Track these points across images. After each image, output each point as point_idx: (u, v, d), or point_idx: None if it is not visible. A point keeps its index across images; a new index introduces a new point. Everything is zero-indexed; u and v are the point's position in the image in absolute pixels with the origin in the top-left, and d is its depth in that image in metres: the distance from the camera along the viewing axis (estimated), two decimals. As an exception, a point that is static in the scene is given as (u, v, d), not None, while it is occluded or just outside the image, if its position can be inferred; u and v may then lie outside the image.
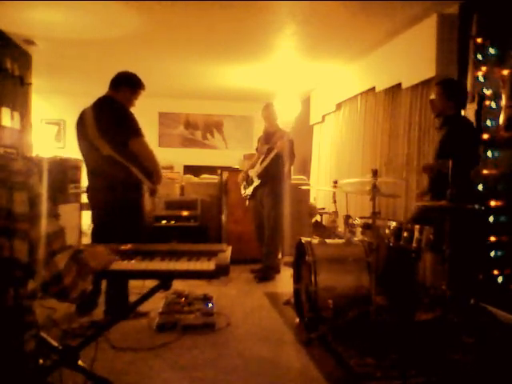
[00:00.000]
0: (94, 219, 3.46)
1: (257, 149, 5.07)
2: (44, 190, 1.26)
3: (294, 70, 6.51)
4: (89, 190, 3.48)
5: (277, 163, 4.62)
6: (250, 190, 4.84)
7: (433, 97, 3.34)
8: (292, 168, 8.87)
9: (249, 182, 4.86)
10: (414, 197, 3.86)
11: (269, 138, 4.83)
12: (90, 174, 3.41)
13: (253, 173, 4.82)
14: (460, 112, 3.32)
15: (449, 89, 3.28)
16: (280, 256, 5.59)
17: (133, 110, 3.47)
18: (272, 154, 4.62)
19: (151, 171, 3.35)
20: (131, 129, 3.23)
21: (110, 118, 3.25)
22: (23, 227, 1.19)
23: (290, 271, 3.78)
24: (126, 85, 3.37)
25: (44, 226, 1.23)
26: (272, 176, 4.65)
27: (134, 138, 3.21)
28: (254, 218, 4.91)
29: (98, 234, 3.41)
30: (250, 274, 4.84)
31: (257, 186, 4.75)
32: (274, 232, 4.72)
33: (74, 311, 3.35)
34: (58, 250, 1.28)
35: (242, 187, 4.98)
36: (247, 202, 4.96)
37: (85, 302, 3.33)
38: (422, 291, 3.25)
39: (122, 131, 3.21)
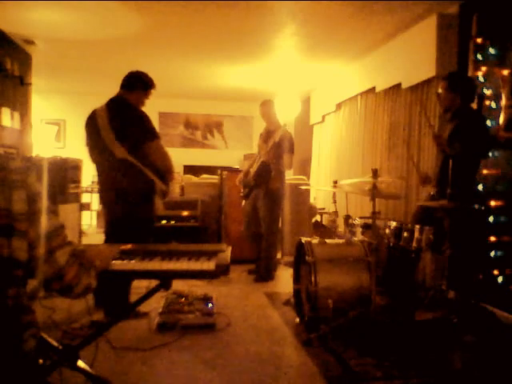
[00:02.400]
0: (107, 220, 3.45)
1: (259, 145, 5.05)
2: (43, 189, 1.26)
3: (294, 70, 6.51)
4: (101, 191, 3.47)
5: (266, 169, 4.59)
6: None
7: (439, 90, 3.32)
8: (292, 168, 8.84)
9: (246, 182, 4.83)
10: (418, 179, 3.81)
11: (269, 136, 4.80)
12: (103, 176, 3.37)
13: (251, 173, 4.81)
14: (469, 105, 3.26)
15: (454, 82, 3.26)
16: (280, 256, 5.60)
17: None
18: (261, 159, 4.59)
19: (165, 172, 3.33)
20: (148, 131, 3.20)
21: (127, 121, 3.19)
22: (22, 226, 1.19)
23: (290, 271, 3.78)
24: (140, 85, 3.31)
25: (43, 223, 1.23)
26: (266, 178, 4.61)
27: (150, 141, 3.18)
28: (244, 217, 4.86)
29: (110, 235, 3.38)
30: (248, 275, 4.81)
31: (252, 186, 4.74)
32: (271, 234, 4.68)
33: (73, 311, 3.34)
34: (57, 246, 1.28)
35: (241, 187, 4.96)
36: (243, 202, 4.95)
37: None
38: (422, 291, 3.25)
39: (139, 134, 3.16)
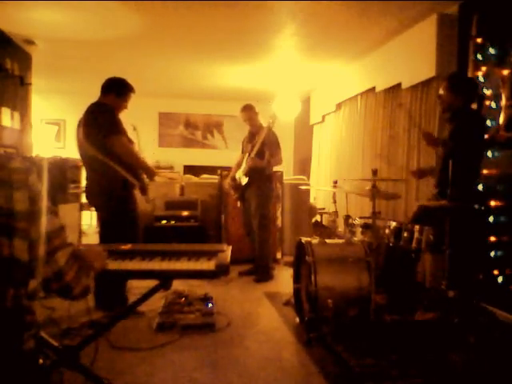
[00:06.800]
0: (97, 219, 3.70)
1: (242, 150, 5.05)
2: (44, 189, 1.26)
3: (294, 70, 6.51)
4: (85, 190, 3.66)
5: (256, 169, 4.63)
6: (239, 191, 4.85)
7: (441, 91, 3.31)
8: (292, 168, 8.82)
9: (237, 184, 4.85)
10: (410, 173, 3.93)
11: (253, 137, 4.81)
12: (86, 175, 3.61)
13: (240, 173, 4.81)
14: (469, 106, 3.26)
15: (456, 83, 3.26)
16: (280, 256, 5.60)
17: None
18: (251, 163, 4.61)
19: (136, 169, 3.47)
20: (107, 127, 3.33)
21: (91, 120, 3.39)
22: (23, 226, 1.18)
23: (290, 271, 3.78)
24: (113, 90, 3.49)
25: (44, 223, 1.23)
26: (258, 175, 4.63)
27: (110, 136, 3.31)
28: (244, 218, 4.90)
29: (101, 233, 3.59)
30: (240, 275, 4.79)
31: (245, 185, 4.73)
32: (262, 232, 4.68)
33: (73, 311, 3.33)
34: (58, 247, 1.28)
35: (231, 190, 4.96)
36: (238, 203, 4.96)
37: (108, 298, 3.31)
38: (422, 291, 3.24)
39: (99, 130, 3.33)
